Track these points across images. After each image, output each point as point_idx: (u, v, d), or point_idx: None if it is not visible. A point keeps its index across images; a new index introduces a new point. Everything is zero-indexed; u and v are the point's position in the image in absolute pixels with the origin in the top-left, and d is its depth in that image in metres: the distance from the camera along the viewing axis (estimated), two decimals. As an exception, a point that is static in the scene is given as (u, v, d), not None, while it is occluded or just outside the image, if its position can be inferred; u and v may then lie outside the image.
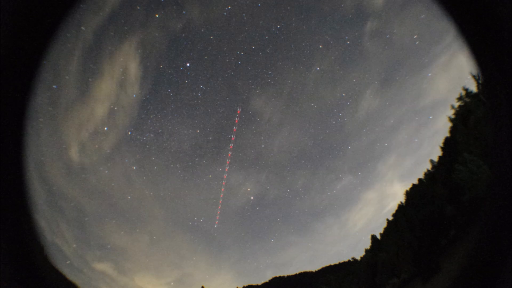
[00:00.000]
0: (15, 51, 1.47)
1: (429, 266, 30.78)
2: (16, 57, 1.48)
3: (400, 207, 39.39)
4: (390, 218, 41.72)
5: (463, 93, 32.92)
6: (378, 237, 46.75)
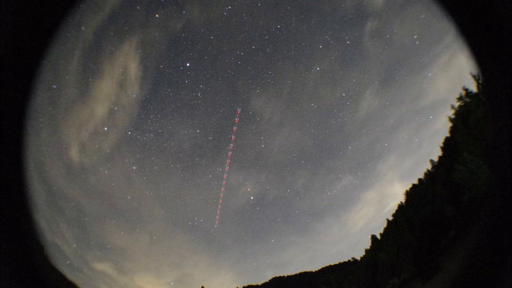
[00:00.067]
0: (15, 51, 1.47)
1: (429, 266, 30.77)
2: (16, 57, 1.48)
3: (400, 207, 39.38)
4: (390, 218, 41.73)
5: (463, 93, 32.92)
6: (378, 237, 46.76)
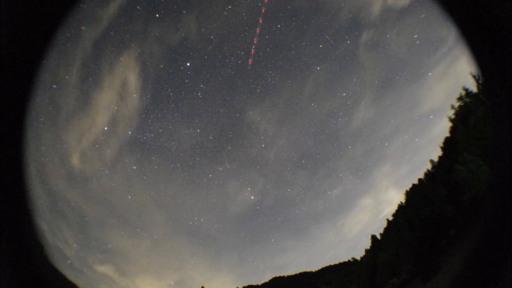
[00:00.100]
0: (15, 51, 1.47)
1: (429, 266, 30.74)
2: (16, 57, 1.48)
3: (400, 207, 39.34)
4: (390, 218, 41.67)
5: (463, 93, 32.88)
6: (378, 237, 46.72)
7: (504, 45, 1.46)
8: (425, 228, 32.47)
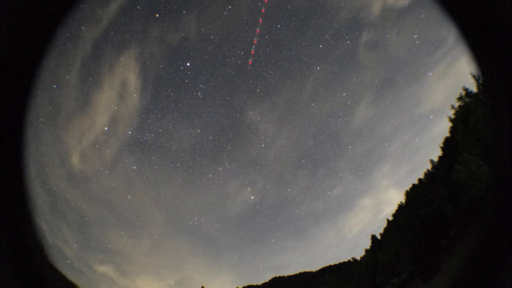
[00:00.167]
0: (15, 51, 1.47)
1: (429, 266, 30.74)
2: (16, 57, 1.48)
3: (400, 207, 39.33)
4: (390, 218, 41.66)
5: (463, 93, 32.88)
6: (378, 237, 46.71)
7: (504, 45, 1.46)
8: (425, 228, 32.46)
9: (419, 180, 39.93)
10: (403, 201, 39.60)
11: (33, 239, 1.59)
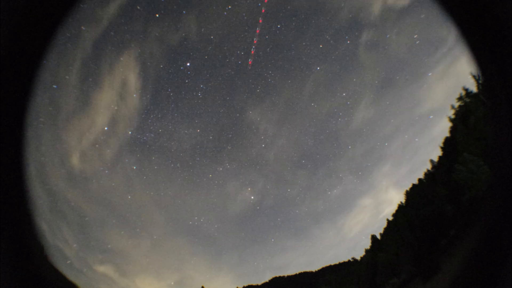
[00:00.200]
0: (15, 51, 1.47)
1: (429, 266, 30.74)
2: (16, 57, 1.48)
3: (400, 207, 39.33)
4: (390, 218, 41.65)
5: (463, 93, 32.87)
6: (378, 237, 46.71)
7: (504, 45, 1.46)
8: (425, 228, 32.46)
9: (419, 180, 39.93)
10: (403, 201, 39.60)
11: (33, 239, 1.59)
